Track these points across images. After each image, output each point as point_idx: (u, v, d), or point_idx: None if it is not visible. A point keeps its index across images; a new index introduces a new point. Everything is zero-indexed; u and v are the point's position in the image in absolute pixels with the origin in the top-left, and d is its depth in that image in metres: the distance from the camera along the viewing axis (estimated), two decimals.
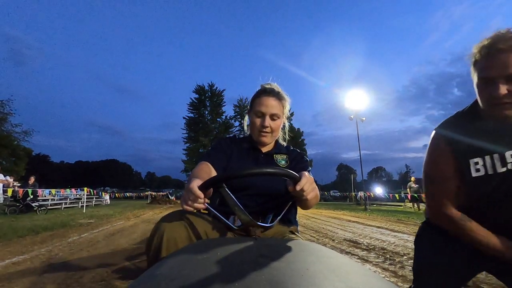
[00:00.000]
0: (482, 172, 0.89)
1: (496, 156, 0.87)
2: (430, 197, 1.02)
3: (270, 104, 1.10)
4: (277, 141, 1.23)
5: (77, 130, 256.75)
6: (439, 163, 0.97)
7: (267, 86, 1.17)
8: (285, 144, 1.28)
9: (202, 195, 0.72)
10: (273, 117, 1.11)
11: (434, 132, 1.00)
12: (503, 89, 0.80)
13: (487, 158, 0.88)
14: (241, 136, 1.31)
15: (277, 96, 1.13)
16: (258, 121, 1.11)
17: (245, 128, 1.27)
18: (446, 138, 0.95)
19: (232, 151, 1.15)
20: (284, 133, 1.30)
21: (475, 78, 0.90)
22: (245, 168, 0.70)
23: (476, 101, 0.94)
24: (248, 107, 1.21)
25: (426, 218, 1.17)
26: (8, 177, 10.56)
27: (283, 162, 1.15)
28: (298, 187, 0.73)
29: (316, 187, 0.84)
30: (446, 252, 1.00)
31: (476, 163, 0.89)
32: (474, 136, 0.91)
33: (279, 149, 1.20)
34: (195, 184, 0.72)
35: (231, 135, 1.29)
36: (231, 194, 0.72)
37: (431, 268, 1.02)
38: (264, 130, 1.10)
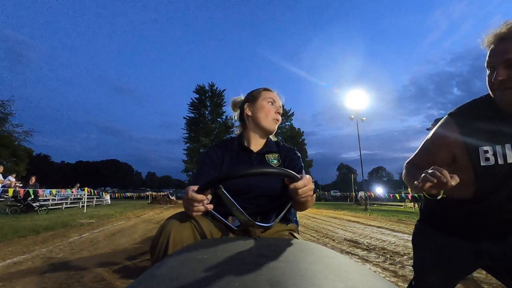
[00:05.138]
0: (491, 162, 0.84)
1: (508, 146, 0.83)
2: (411, 157, 1.04)
3: (277, 97, 1.19)
4: (268, 138, 1.21)
5: (77, 130, 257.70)
6: (441, 143, 0.94)
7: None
8: (275, 139, 1.25)
9: (204, 197, 0.74)
10: (279, 109, 1.18)
11: (446, 116, 0.96)
12: (502, 74, 0.79)
13: (498, 147, 0.84)
14: (232, 136, 1.29)
15: (276, 93, 1.22)
16: (272, 107, 1.15)
17: (238, 128, 1.24)
18: (458, 123, 0.91)
19: (223, 158, 1.12)
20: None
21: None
22: (242, 169, 0.69)
23: None
24: (248, 100, 1.19)
25: (420, 216, 1.17)
26: (10, 177, 10.44)
27: (275, 161, 1.14)
28: (292, 186, 0.76)
29: (314, 187, 0.84)
30: (444, 250, 1.00)
31: (486, 152, 0.85)
32: (487, 123, 0.86)
33: (270, 148, 1.17)
34: (192, 190, 0.75)
35: (219, 142, 1.25)
36: (227, 195, 0.72)
37: (431, 266, 1.02)
38: (278, 115, 1.16)
